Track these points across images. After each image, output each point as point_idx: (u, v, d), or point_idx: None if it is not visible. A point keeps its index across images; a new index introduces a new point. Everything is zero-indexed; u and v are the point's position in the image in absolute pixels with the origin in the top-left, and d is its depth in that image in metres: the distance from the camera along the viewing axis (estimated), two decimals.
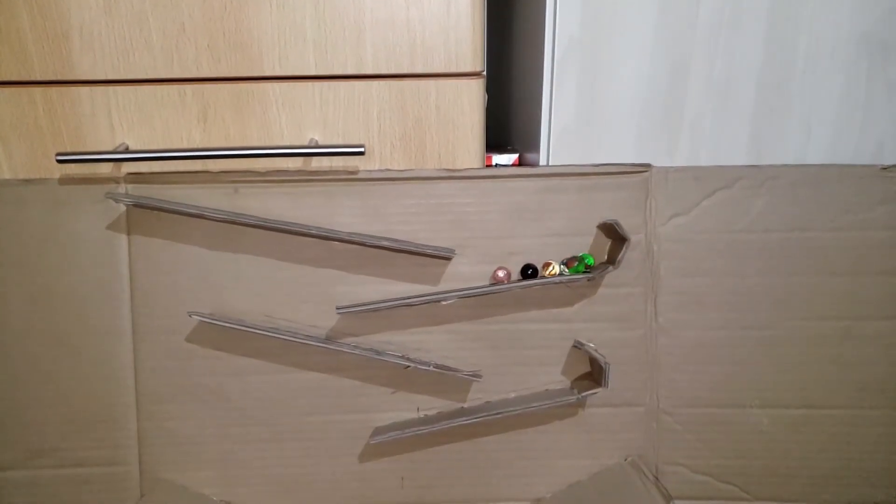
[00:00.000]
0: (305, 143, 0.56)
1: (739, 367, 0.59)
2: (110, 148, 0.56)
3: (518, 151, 0.66)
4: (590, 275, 0.56)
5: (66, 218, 0.56)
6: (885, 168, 0.57)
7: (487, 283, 0.57)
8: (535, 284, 0.57)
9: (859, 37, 0.55)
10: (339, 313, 0.57)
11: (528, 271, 0.57)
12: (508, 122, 0.76)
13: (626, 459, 0.59)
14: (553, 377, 0.59)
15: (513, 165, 0.64)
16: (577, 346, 0.58)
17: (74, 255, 0.57)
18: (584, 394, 0.56)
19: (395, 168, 0.57)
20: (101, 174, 0.56)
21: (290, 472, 0.59)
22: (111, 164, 0.56)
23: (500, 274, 0.55)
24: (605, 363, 0.55)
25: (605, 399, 0.59)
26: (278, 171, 0.56)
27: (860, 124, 0.57)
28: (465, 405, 0.59)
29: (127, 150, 0.55)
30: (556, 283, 0.57)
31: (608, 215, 0.57)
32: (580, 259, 0.56)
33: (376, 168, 0.57)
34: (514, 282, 0.57)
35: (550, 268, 0.56)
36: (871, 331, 0.58)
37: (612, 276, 0.58)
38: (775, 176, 0.57)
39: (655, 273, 0.58)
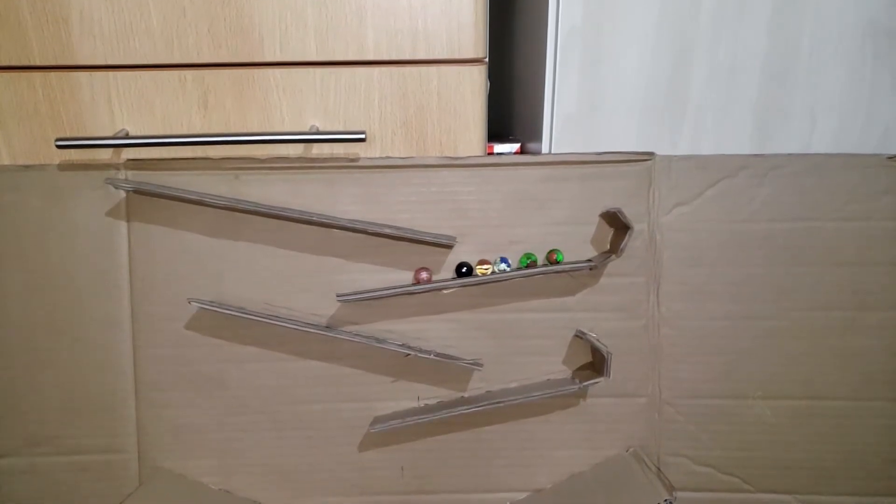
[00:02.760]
0: (306, 129, 0.56)
1: (742, 357, 0.58)
2: (110, 134, 0.55)
3: (520, 141, 0.65)
4: (592, 263, 0.56)
5: (65, 204, 0.56)
6: (890, 157, 0.56)
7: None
8: (538, 272, 0.56)
9: (865, 24, 0.54)
10: (339, 301, 0.56)
11: (463, 269, 0.56)
12: (510, 112, 0.76)
13: (627, 450, 0.59)
14: (554, 367, 0.59)
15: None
16: (579, 336, 0.58)
17: (74, 242, 0.56)
18: (585, 383, 0.55)
19: (397, 155, 0.57)
20: (100, 160, 0.56)
21: (290, 461, 0.59)
22: (111, 151, 0.56)
23: (423, 275, 0.55)
24: (607, 352, 0.54)
25: (606, 389, 0.58)
26: (279, 158, 0.56)
27: (865, 113, 0.56)
28: (466, 394, 0.59)
29: (127, 136, 0.54)
30: (557, 272, 0.56)
31: (611, 204, 0.57)
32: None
33: (377, 155, 0.57)
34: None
35: (486, 267, 0.55)
36: (876, 321, 0.57)
37: (614, 265, 0.57)
38: (779, 165, 0.57)
39: (658, 263, 0.58)
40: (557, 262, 0.56)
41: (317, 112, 0.56)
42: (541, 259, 0.57)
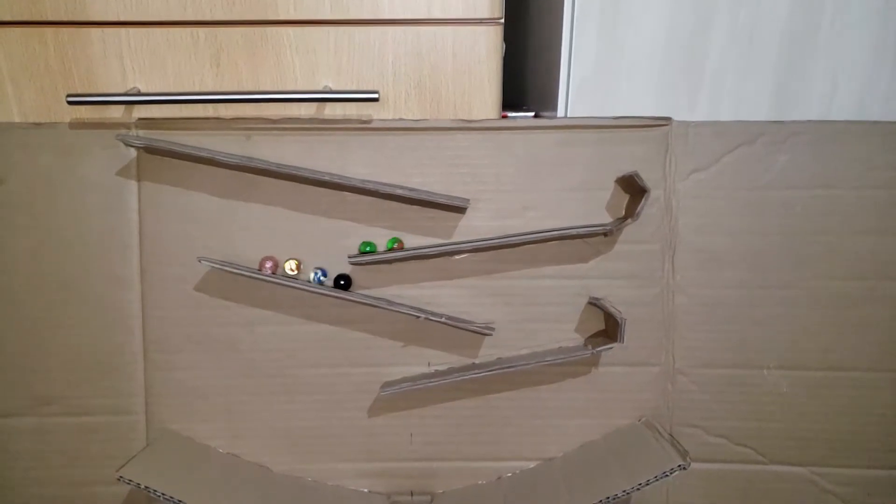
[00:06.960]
0: (319, 89, 0.55)
1: (758, 327, 0.57)
2: (121, 91, 0.55)
3: (535, 111, 0.64)
4: (607, 228, 0.55)
5: (75, 163, 0.56)
6: None
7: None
8: (552, 238, 0.55)
9: None
10: (350, 263, 0.56)
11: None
12: (524, 82, 0.75)
13: (640, 419, 0.58)
14: (567, 335, 0.58)
15: None
16: (593, 303, 0.57)
17: (84, 201, 0.56)
18: (598, 348, 0.54)
19: (410, 118, 0.56)
20: (111, 119, 0.56)
21: (298, 426, 0.58)
22: (122, 109, 0.56)
23: (268, 265, 0.55)
24: (621, 318, 0.53)
25: (619, 358, 0.58)
26: (291, 119, 0.55)
27: (889, 79, 0.55)
28: (477, 360, 0.58)
29: (138, 94, 0.54)
30: (572, 236, 0.56)
31: (626, 170, 0.56)
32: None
33: (390, 117, 0.56)
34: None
35: (288, 265, 0.55)
36: (895, 291, 0.56)
37: (629, 232, 0.56)
38: (799, 132, 0.56)
39: (673, 230, 0.57)
40: (365, 254, 0.56)
41: (329, 72, 0.55)
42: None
